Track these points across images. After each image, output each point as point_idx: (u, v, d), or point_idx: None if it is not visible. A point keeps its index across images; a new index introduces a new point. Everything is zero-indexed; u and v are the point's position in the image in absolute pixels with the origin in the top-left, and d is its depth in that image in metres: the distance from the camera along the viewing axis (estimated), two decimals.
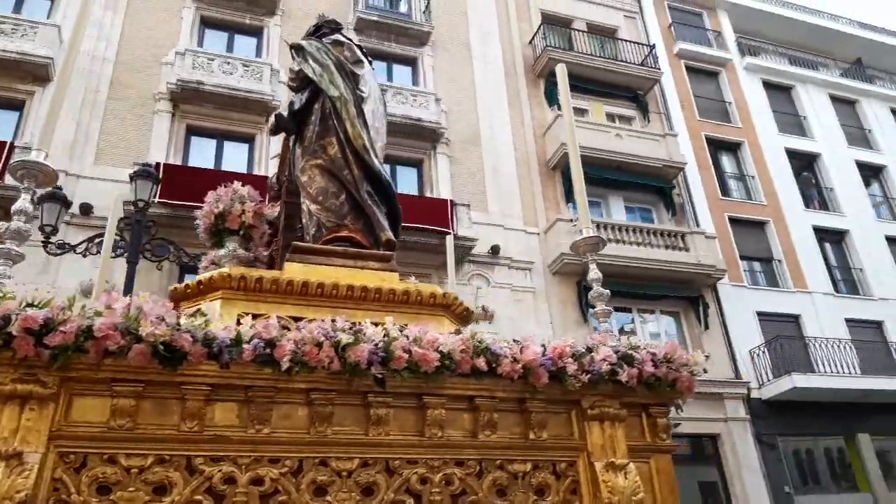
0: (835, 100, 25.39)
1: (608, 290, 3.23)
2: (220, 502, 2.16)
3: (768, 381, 17.46)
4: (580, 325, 17.34)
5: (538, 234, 18.28)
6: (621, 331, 18.00)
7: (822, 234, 21.78)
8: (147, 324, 2.09)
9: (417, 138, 18.05)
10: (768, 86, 24.48)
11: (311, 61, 3.28)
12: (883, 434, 18.26)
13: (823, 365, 17.88)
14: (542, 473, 2.57)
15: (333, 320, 2.41)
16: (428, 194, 17.89)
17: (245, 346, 2.21)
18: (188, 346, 2.15)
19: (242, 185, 3.53)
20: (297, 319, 2.59)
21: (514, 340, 2.66)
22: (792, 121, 24.17)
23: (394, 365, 2.37)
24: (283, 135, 3.51)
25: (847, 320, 19.86)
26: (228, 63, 16.45)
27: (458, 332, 2.81)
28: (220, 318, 2.56)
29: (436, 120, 18.22)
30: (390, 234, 3.10)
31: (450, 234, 16.31)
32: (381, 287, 2.84)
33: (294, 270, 2.81)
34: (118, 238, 10.38)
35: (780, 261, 20.49)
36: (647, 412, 2.80)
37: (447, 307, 3.01)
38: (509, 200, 18.39)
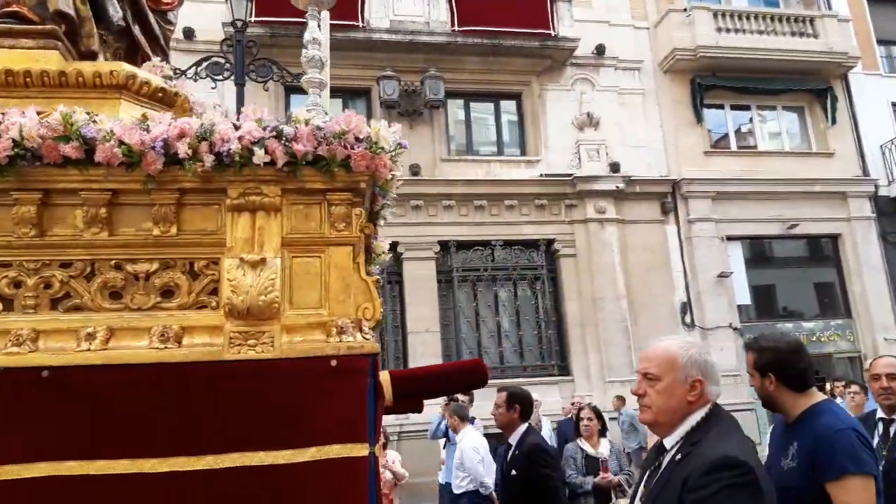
0: None
1: (324, 55, 2.62)
2: None
3: None
4: (693, 126, 15.92)
5: (647, 28, 16.44)
6: (738, 131, 16.30)
7: None
8: None
9: None
10: None
11: None
12: None
13: None
14: (172, 273, 2.23)
15: None
16: None
17: None
18: None
19: None
20: None
21: (142, 121, 2.22)
22: None
23: None
24: None
25: None
26: None
27: (143, 117, 2.40)
28: None
29: None
30: (60, 3, 2.62)
31: (551, 34, 15.17)
32: (30, 69, 2.45)
33: None
34: (223, 60, 10.63)
35: None
36: (327, 199, 2.31)
37: (123, 88, 2.56)
38: None
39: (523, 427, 4.69)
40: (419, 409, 2.75)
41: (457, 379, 2.56)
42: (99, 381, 2.04)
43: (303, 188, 2.28)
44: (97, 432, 2.01)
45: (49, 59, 2.52)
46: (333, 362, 2.14)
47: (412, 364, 13.50)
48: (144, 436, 2.02)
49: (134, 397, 2.05)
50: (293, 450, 2.07)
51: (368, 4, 14.47)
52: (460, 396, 9.83)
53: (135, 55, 3.33)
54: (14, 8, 2.63)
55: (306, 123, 2.23)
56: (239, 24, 10.22)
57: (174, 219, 2.23)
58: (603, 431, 6.49)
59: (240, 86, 10.05)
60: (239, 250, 2.20)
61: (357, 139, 2.23)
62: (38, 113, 2.23)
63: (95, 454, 1.99)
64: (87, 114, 2.27)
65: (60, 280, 2.17)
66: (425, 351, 13.58)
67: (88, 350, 2.07)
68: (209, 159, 2.16)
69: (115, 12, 2.93)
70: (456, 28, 14.65)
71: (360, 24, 14.18)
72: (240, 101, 10.02)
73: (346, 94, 14.76)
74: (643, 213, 15.41)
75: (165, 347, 2.11)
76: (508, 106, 16.07)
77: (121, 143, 2.14)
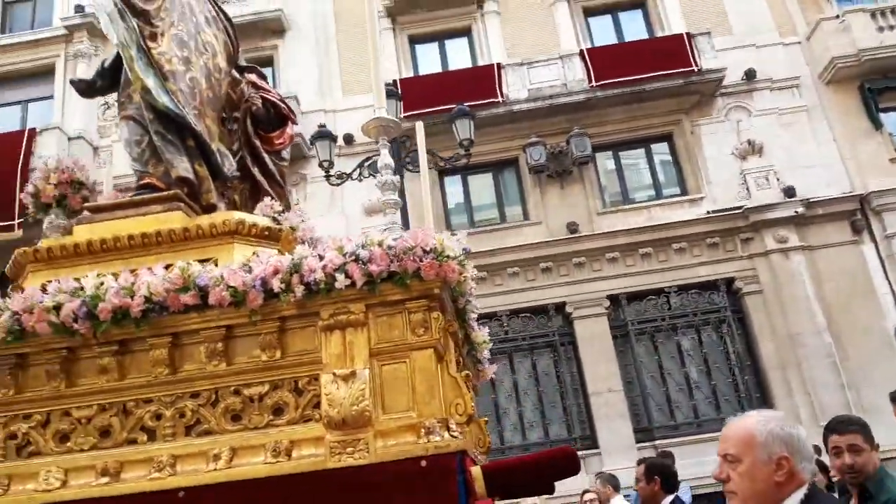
0: None
1: (396, 178, 2.84)
2: None
3: None
4: (871, 134, 14.67)
5: (799, 42, 15.53)
6: None
7: None
8: None
9: None
10: None
11: (101, 13, 3.33)
12: None
13: None
14: (280, 393, 2.51)
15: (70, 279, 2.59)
16: (659, 34, 16.19)
17: None
18: None
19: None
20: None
21: (245, 266, 2.57)
22: None
23: (102, 318, 2.50)
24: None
25: None
26: None
27: (253, 255, 2.78)
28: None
29: None
30: (181, 171, 3.09)
31: (693, 70, 14.82)
32: (160, 230, 2.91)
33: (81, 232, 3.02)
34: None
35: None
36: (406, 308, 2.51)
37: (235, 233, 2.96)
38: (756, 11, 15.79)
39: (668, 500, 4.45)
40: (551, 491, 2.80)
41: (548, 469, 2.58)
42: (224, 498, 2.33)
43: (384, 301, 2.50)
44: None
45: (173, 220, 2.98)
46: (423, 463, 2.29)
47: (599, 426, 13.21)
48: None
49: None
50: None
51: (506, 80, 14.96)
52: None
53: (257, 192, 3.82)
54: (147, 180, 3.16)
55: (380, 245, 2.46)
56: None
57: (278, 344, 2.53)
58: (832, 487, 5.53)
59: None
60: (333, 365, 2.44)
61: (424, 251, 2.43)
62: (167, 266, 2.66)
63: None
64: (204, 261, 2.68)
65: (191, 409, 2.53)
66: (609, 411, 13.23)
67: (215, 469, 2.38)
68: (300, 290, 2.45)
69: (231, 166, 3.41)
70: (594, 84, 14.72)
71: (500, 99, 14.67)
72: (400, 193, 10.75)
73: (495, 166, 15.21)
74: (831, 235, 14.26)
75: (277, 461, 2.37)
76: (660, 147, 15.71)
77: (228, 286, 2.48)
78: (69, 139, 15.22)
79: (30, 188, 3.43)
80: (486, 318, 13.91)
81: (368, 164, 11.85)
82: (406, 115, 13.84)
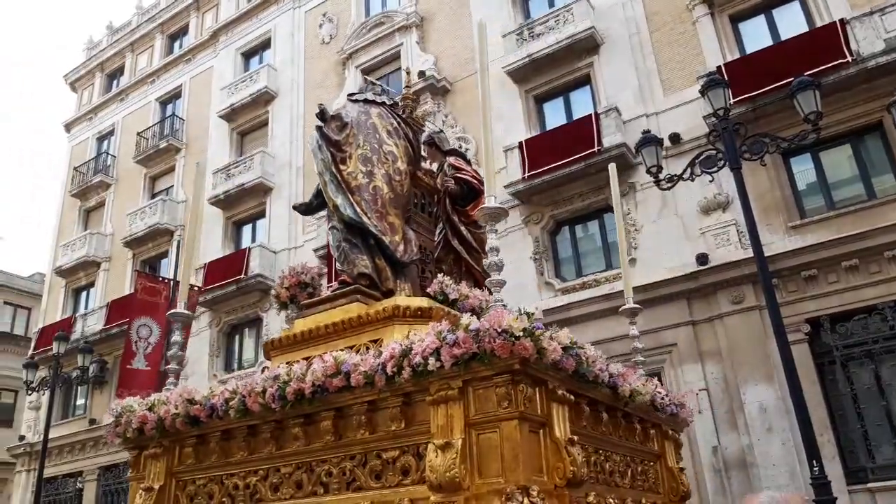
0: None
1: (500, 258, 3.07)
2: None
3: None
4: None
5: None
6: None
7: None
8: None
9: None
10: None
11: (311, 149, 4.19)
12: None
13: None
14: (406, 457, 2.99)
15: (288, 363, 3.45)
16: None
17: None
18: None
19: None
20: (307, 358, 3.65)
21: (378, 352, 3.12)
22: None
23: (289, 398, 3.26)
24: None
25: None
26: None
27: (409, 333, 3.34)
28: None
29: None
30: (360, 267, 3.75)
31: None
32: (343, 319, 3.60)
33: (298, 324, 3.85)
34: (714, 151, 11.36)
35: None
36: (495, 382, 2.79)
37: (393, 316, 3.52)
38: None
39: None
40: None
41: None
42: None
43: (476, 377, 2.83)
44: None
45: (352, 310, 3.69)
46: None
47: None
48: None
49: None
50: None
51: (853, 35, 12.99)
52: None
53: (459, 261, 4.37)
54: (342, 278, 3.94)
55: (465, 329, 2.81)
56: (721, 112, 10.37)
57: (402, 416, 3.03)
58: None
59: (736, 170, 10.10)
60: (439, 435, 2.84)
61: (497, 332, 2.70)
62: (351, 347, 3.35)
63: None
64: (375, 341, 3.32)
65: (349, 469, 3.15)
66: None
67: None
68: (407, 372, 2.91)
69: (410, 251, 4.03)
70: None
71: (850, 58, 12.73)
72: (739, 185, 10.05)
73: (852, 135, 13.14)
74: None
75: None
76: None
77: (362, 371, 3.06)
78: None
79: (273, 292, 4.45)
80: (863, 312, 12.07)
81: (700, 160, 11.29)
82: (736, 100, 12.68)
